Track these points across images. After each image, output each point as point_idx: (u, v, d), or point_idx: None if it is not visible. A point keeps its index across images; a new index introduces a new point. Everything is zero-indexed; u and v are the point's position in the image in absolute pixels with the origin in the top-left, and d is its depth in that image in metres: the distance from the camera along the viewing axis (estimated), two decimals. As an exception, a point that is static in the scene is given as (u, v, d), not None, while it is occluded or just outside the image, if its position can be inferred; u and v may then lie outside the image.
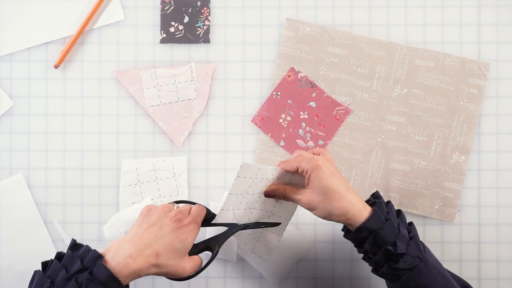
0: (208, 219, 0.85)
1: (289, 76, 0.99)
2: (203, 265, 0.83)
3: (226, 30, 1.00)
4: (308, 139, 0.98)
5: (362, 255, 0.82)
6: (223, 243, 0.84)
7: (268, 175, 0.83)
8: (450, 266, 0.96)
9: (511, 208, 0.98)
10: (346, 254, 0.97)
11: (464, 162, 0.97)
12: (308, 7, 0.99)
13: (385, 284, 0.84)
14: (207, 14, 1.00)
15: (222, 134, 0.99)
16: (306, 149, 0.98)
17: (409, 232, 0.81)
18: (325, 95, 0.98)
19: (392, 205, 0.83)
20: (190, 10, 1.00)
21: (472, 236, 0.98)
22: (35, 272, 0.77)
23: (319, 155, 0.84)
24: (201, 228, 0.84)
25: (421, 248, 0.80)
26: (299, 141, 0.98)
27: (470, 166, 0.98)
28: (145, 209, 0.83)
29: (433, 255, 0.82)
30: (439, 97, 0.98)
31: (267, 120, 0.99)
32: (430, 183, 0.97)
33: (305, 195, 0.81)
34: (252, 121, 0.99)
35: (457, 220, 0.98)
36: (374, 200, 0.82)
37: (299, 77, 0.99)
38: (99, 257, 0.75)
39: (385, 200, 0.96)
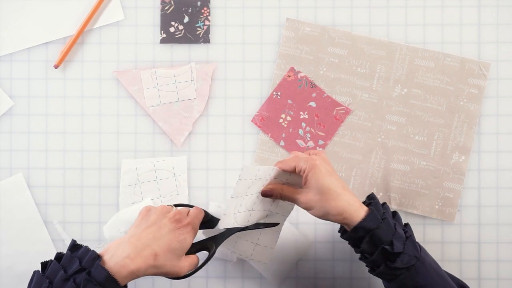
0: (206, 221, 0.86)
1: (289, 76, 0.99)
2: (199, 264, 0.83)
3: (226, 30, 1.00)
4: (308, 139, 0.98)
5: (360, 255, 0.82)
6: (220, 243, 0.84)
7: (266, 174, 0.83)
8: (450, 266, 0.96)
9: (511, 208, 0.98)
10: (346, 254, 0.97)
11: (464, 162, 0.97)
12: (308, 7, 0.99)
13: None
14: (207, 14, 1.00)
15: (222, 134, 0.99)
16: (306, 149, 0.98)
17: (405, 232, 0.81)
18: (325, 95, 0.98)
19: (388, 206, 0.84)
20: (190, 10, 1.00)
21: (472, 236, 0.98)
22: (34, 272, 0.77)
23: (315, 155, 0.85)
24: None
25: (418, 248, 0.80)
26: (299, 141, 0.98)
27: (470, 166, 0.98)
28: (143, 210, 0.83)
29: (429, 255, 0.82)
30: (439, 97, 0.98)
31: (267, 120, 0.99)
32: (430, 183, 0.97)
33: (302, 195, 0.81)
34: (252, 121, 0.99)
35: (457, 220, 0.98)
36: (370, 201, 0.83)
37: (299, 77, 0.99)
38: (97, 257, 0.75)
39: (385, 200, 0.97)
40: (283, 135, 0.98)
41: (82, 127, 0.99)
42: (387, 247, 0.78)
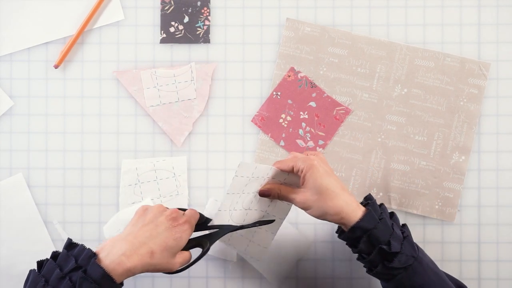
0: (201, 223, 0.86)
1: (289, 76, 0.99)
2: (191, 260, 0.83)
3: (226, 30, 1.00)
4: (308, 139, 0.98)
5: (357, 255, 0.82)
6: (215, 241, 0.85)
7: (264, 174, 0.83)
8: (450, 266, 0.96)
9: (511, 208, 0.98)
10: (346, 254, 0.97)
11: (464, 162, 0.97)
12: (308, 7, 0.99)
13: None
14: (207, 14, 1.00)
15: (222, 134, 0.99)
16: (306, 149, 0.98)
17: (402, 233, 0.81)
18: (325, 95, 0.98)
19: (385, 207, 0.84)
20: (190, 10, 1.00)
21: (472, 236, 0.98)
22: (30, 271, 0.77)
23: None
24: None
25: (415, 248, 0.80)
26: (299, 141, 0.98)
27: (470, 166, 0.98)
28: (140, 209, 0.84)
29: (427, 255, 0.82)
30: (439, 97, 0.98)
31: (267, 120, 0.99)
32: (430, 183, 0.97)
33: (299, 194, 0.81)
34: (252, 121, 0.99)
35: (457, 220, 0.98)
36: (367, 201, 0.83)
37: (299, 77, 0.99)
38: (93, 255, 0.75)
39: (385, 200, 0.97)
40: (283, 135, 0.98)
41: (82, 127, 0.99)
42: (384, 246, 0.78)
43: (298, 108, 0.98)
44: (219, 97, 0.99)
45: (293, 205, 0.85)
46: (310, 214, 0.81)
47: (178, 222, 0.81)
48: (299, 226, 0.98)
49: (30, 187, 0.99)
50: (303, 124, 0.98)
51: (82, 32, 0.99)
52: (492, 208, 0.98)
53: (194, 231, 0.84)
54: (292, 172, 0.83)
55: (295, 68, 0.99)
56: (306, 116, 0.98)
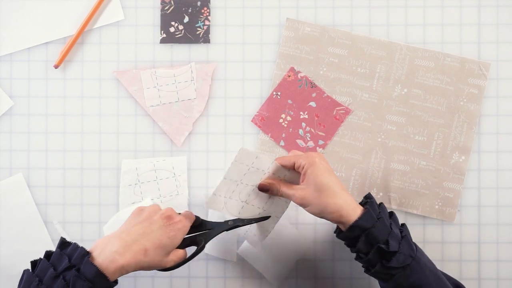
0: (197, 225, 0.86)
1: (289, 76, 0.99)
2: (186, 257, 0.83)
3: (226, 30, 1.00)
4: (308, 139, 0.98)
5: (355, 255, 0.83)
6: (210, 239, 0.86)
7: (264, 167, 0.83)
8: (450, 266, 0.96)
9: (511, 208, 0.98)
10: (346, 254, 0.97)
11: (464, 162, 0.97)
12: (308, 7, 0.99)
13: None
14: (207, 14, 1.00)
15: (222, 134, 0.99)
16: (306, 149, 0.98)
17: (401, 232, 0.81)
18: (325, 95, 0.98)
19: (384, 206, 0.84)
20: (190, 10, 1.00)
21: (472, 236, 0.98)
22: (24, 271, 0.77)
23: None
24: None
25: (413, 247, 0.80)
26: (299, 141, 0.98)
27: (470, 166, 0.98)
28: (136, 209, 0.84)
29: (425, 254, 0.82)
30: (439, 97, 0.98)
31: (267, 120, 0.99)
32: (430, 183, 0.97)
33: (299, 191, 0.81)
34: (252, 121, 0.99)
35: (457, 220, 0.98)
36: (366, 200, 0.83)
37: (299, 77, 0.99)
38: (86, 254, 0.75)
39: (385, 200, 0.97)
40: (283, 135, 0.98)
41: (82, 127, 0.99)
42: (382, 246, 0.78)
43: (298, 108, 0.98)
44: (219, 97, 0.99)
45: (291, 204, 0.85)
46: (309, 211, 0.81)
47: (172, 221, 0.82)
48: (299, 226, 0.98)
49: (30, 187, 0.99)
50: (303, 124, 0.98)
51: (82, 32, 0.99)
52: (492, 208, 0.98)
53: (189, 234, 0.85)
54: (293, 168, 0.83)
55: (295, 68, 0.99)
56: (306, 116, 0.98)
